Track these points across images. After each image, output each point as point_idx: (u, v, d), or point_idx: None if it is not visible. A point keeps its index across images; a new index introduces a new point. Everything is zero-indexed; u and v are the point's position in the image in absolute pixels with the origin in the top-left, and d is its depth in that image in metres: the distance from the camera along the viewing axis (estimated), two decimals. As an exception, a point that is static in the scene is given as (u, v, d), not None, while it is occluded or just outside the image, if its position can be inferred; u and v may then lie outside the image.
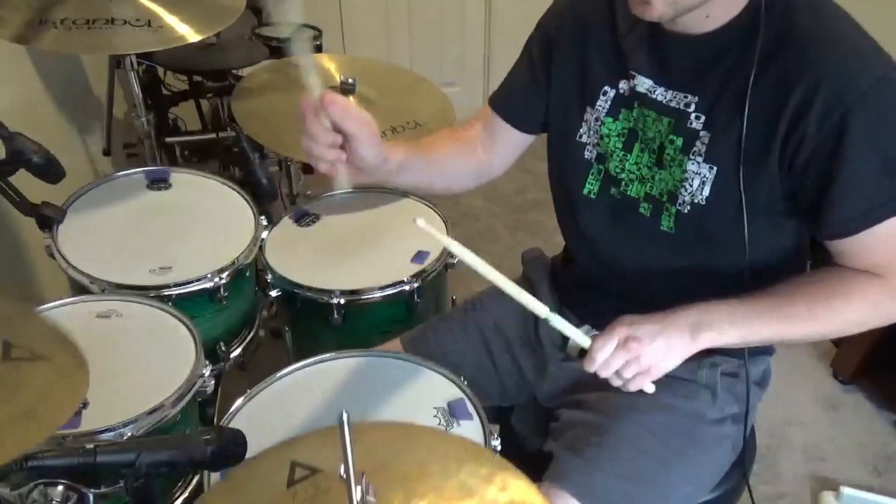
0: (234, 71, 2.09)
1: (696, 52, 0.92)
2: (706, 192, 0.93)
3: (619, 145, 1.01)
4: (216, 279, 1.32)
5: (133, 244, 1.40)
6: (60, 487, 0.81)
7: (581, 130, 1.06)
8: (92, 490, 0.83)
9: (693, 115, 0.93)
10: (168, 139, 2.10)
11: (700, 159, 0.93)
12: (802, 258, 1.06)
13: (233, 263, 1.36)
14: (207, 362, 1.18)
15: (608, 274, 1.10)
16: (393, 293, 1.38)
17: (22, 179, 1.28)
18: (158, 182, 1.56)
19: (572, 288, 1.19)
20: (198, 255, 1.38)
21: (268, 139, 1.59)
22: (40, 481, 0.80)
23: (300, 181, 1.96)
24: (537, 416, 1.19)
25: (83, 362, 0.79)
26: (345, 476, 0.65)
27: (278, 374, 1.15)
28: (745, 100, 0.87)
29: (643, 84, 0.97)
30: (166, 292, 1.30)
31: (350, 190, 1.67)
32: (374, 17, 2.99)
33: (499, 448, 1.03)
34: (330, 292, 1.36)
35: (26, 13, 1.37)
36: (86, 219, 1.43)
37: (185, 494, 1.15)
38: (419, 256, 1.45)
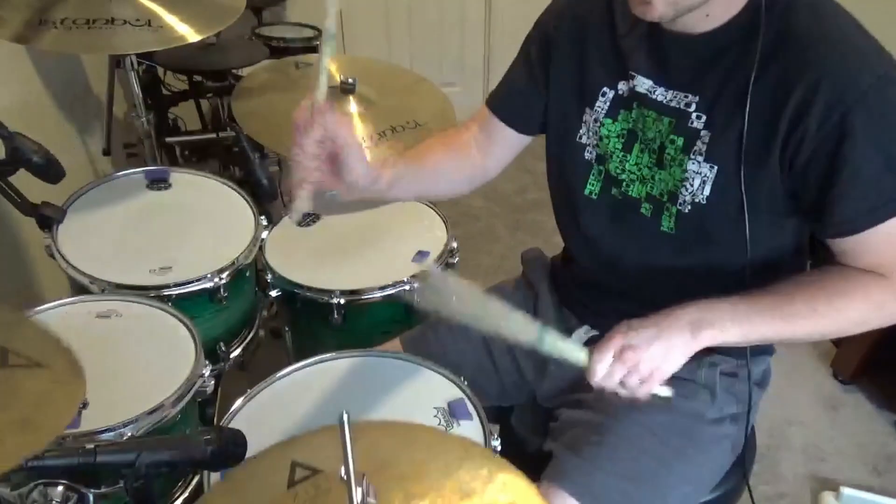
0: (234, 71, 2.09)
1: (695, 52, 0.92)
2: (707, 191, 0.93)
3: (619, 146, 1.01)
4: (216, 279, 1.32)
5: (133, 244, 1.40)
6: (60, 488, 0.81)
7: (581, 131, 1.05)
8: (92, 490, 0.83)
9: (694, 115, 0.93)
10: (168, 139, 2.10)
11: (700, 159, 0.93)
12: (802, 257, 1.05)
13: (233, 263, 1.36)
14: (207, 362, 1.18)
15: (608, 273, 1.10)
16: (393, 293, 1.38)
17: (22, 179, 1.28)
18: (158, 182, 1.56)
19: (572, 288, 1.19)
20: (198, 255, 1.38)
21: (268, 139, 1.59)
22: (40, 481, 0.80)
23: (300, 181, 1.96)
24: (537, 416, 1.19)
25: (80, 370, 0.79)
26: (345, 478, 0.65)
27: (278, 374, 1.14)
28: (746, 99, 0.87)
29: (643, 84, 0.97)
30: (166, 292, 1.30)
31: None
32: (374, 17, 2.99)
33: (499, 448, 1.03)
34: (330, 292, 1.36)
35: (26, 13, 1.37)
36: (86, 219, 1.43)
37: (185, 494, 1.15)
38: (419, 256, 1.45)
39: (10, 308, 0.95)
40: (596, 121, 1.03)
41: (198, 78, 2.13)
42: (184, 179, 1.59)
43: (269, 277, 1.42)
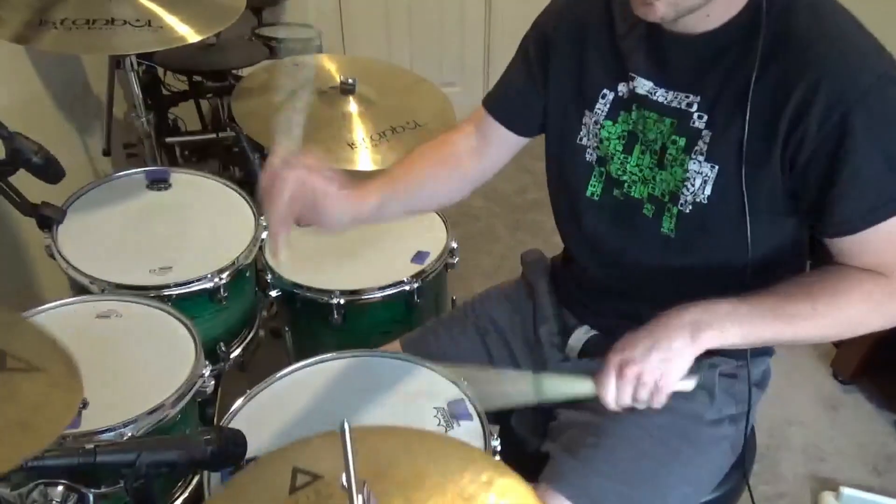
0: (234, 71, 2.09)
1: (696, 52, 0.92)
2: (708, 191, 0.93)
3: (620, 148, 1.01)
4: (216, 279, 1.32)
5: (133, 244, 1.40)
6: (60, 487, 0.81)
7: (581, 133, 1.05)
8: (92, 490, 0.83)
9: (696, 115, 0.93)
10: (168, 139, 2.10)
11: (701, 158, 0.93)
12: (802, 256, 1.05)
13: (233, 263, 1.36)
14: (207, 362, 1.18)
15: (609, 273, 1.10)
16: (393, 293, 1.38)
17: (22, 179, 1.28)
18: (158, 182, 1.56)
19: (572, 287, 1.19)
20: (198, 255, 1.38)
21: (268, 139, 1.59)
22: (40, 481, 0.80)
23: (300, 181, 1.96)
24: (536, 416, 1.19)
25: (77, 373, 0.79)
26: (346, 486, 0.65)
27: (278, 375, 1.14)
28: (746, 99, 0.87)
29: (643, 86, 0.97)
30: (166, 292, 1.30)
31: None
32: (374, 17, 2.99)
33: (499, 448, 1.03)
34: (330, 292, 1.36)
35: (26, 13, 1.37)
36: (86, 219, 1.43)
37: (185, 495, 1.15)
38: (419, 256, 1.45)
39: (8, 310, 0.95)
40: (596, 123, 1.02)
41: (198, 78, 2.13)
42: (184, 180, 1.59)
43: (268, 277, 1.42)
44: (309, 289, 1.37)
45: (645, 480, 1.00)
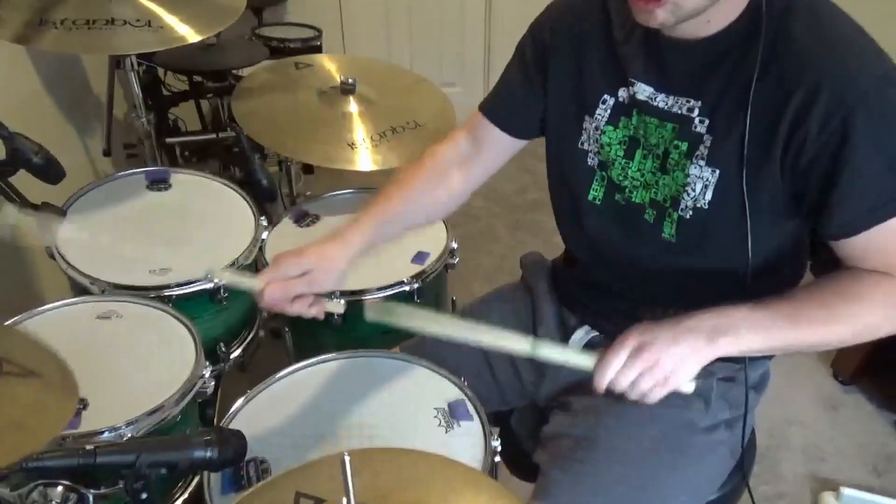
0: (234, 71, 2.09)
1: (696, 57, 0.92)
2: (709, 195, 0.92)
3: (621, 153, 1.01)
4: (216, 279, 1.32)
5: (133, 244, 1.40)
6: (60, 488, 0.81)
7: (582, 138, 1.04)
8: (92, 490, 0.84)
9: (697, 120, 0.93)
10: (168, 139, 2.10)
11: (702, 163, 0.92)
12: (803, 256, 1.05)
13: (233, 264, 1.36)
14: (207, 363, 1.18)
15: (610, 274, 1.09)
16: (393, 293, 1.38)
17: (22, 179, 1.28)
18: (158, 182, 1.56)
19: (573, 288, 1.19)
20: (198, 255, 1.38)
21: (268, 139, 1.59)
22: (40, 482, 0.80)
23: (300, 181, 1.96)
24: (536, 418, 1.19)
25: (73, 380, 0.79)
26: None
27: (278, 375, 1.15)
28: (747, 103, 0.87)
29: (643, 91, 0.97)
30: (166, 293, 1.30)
31: (350, 190, 1.68)
32: (374, 17, 2.99)
33: (499, 448, 1.03)
34: (330, 292, 1.36)
35: (26, 13, 1.37)
36: (86, 219, 1.43)
37: (185, 495, 1.15)
38: (419, 257, 1.45)
39: (4, 315, 0.96)
40: (597, 128, 1.02)
41: (198, 78, 2.13)
42: (184, 180, 1.59)
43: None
44: (309, 289, 1.37)
45: (638, 494, 0.99)
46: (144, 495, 0.79)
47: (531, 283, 1.24)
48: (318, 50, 2.29)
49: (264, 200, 1.60)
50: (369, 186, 1.68)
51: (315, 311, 1.03)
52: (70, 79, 2.11)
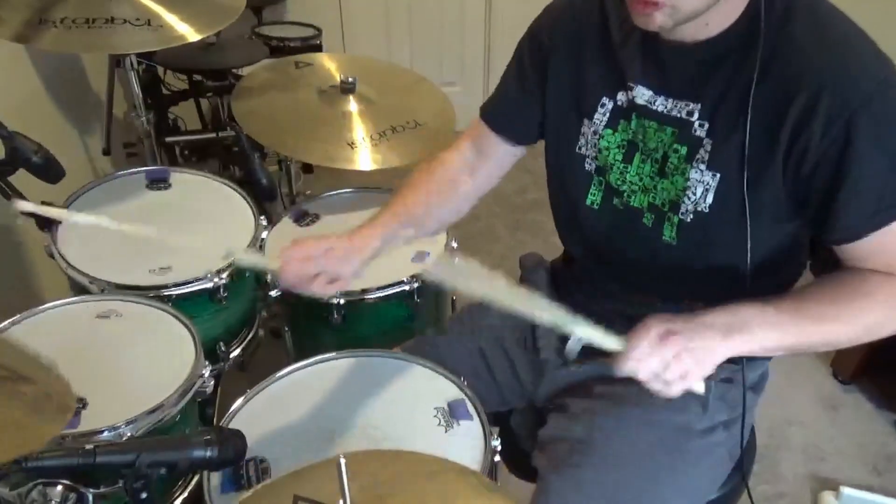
0: (233, 70, 2.09)
1: (695, 60, 0.91)
2: (709, 199, 0.92)
3: (619, 157, 1.00)
4: (216, 279, 1.32)
5: (133, 244, 1.40)
6: (59, 487, 0.81)
7: (580, 143, 1.04)
8: (91, 490, 0.83)
9: (697, 123, 0.92)
10: (168, 139, 2.10)
11: (703, 167, 0.92)
12: (802, 257, 1.05)
13: (232, 263, 1.35)
14: (207, 362, 1.18)
15: (609, 275, 1.09)
16: (393, 293, 1.38)
17: (22, 179, 1.28)
18: (158, 182, 1.56)
19: (573, 289, 1.18)
20: (197, 255, 1.38)
21: (267, 138, 1.59)
22: (39, 481, 0.80)
23: (300, 181, 1.96)
24: (535, 418, 1.19)
25: (68, 387, 0.79)
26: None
27: (278, 375, 1.14)
28: (747, 106, 0.86)
29: (642, 95, 0.96)
30: (166, 292, 1.30)
31: (349, 189, 1.68)
32: (374, 17, 2.99)
33: (499, 448, 1.03)
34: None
35: (26, 13, 1.37)
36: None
37: (185, 494, 1.15)
38: (419, 256, 1.45)
39: (3, 315, 0.96)
40: (595, 133, 1.01)
41: (198, 77, 2.13)
42: (184, 179, 1.59)
43: (268, 277, 1.42)
44: (309, 289, 1.37)
45: (634, 498, 0.99)
46: (144, 495, 0.79)
47: (530, 284, 1.24)
48: (318, 49, 2.28)
49: (264, 200, 1.60)
50: (369, 186, 1.68)
51: (333, 290, 1.03)
52: (70, 78, 2.11)
